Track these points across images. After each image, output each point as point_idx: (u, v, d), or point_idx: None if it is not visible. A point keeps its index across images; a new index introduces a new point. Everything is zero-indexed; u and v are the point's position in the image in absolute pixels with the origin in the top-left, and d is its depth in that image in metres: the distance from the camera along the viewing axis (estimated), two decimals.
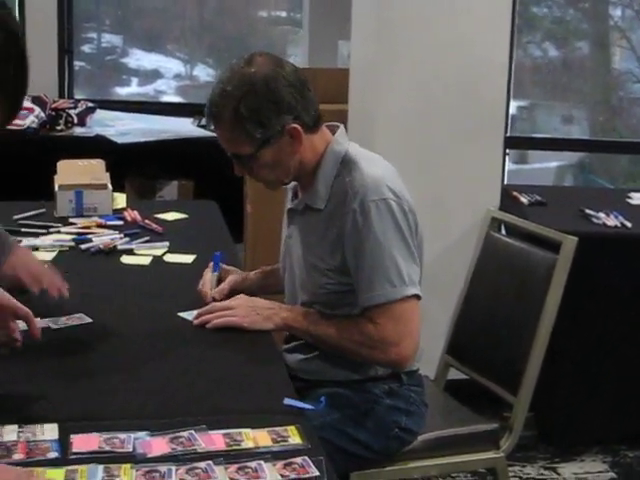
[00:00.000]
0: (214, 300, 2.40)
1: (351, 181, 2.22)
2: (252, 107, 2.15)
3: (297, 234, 2.37)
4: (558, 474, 3.55)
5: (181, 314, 2.35)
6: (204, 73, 7.01)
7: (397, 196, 2.21)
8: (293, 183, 2.40)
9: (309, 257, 2.31)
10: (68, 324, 2.26)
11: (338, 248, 2.23)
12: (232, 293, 2.44)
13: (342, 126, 2.36)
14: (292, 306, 2.35)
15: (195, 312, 2.33)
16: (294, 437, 1.72)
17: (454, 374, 2.96)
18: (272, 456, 1.64)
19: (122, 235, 3.01)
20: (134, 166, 5.06)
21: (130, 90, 6.82)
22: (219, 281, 2.50)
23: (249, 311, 2.28)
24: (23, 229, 3.06)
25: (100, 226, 3.14)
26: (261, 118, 2.16)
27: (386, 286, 2.18)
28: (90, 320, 2.28)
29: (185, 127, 5.39)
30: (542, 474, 3.54)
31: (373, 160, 2.31)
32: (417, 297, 2.23)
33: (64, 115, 5.22)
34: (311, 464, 1.62)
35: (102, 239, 2.97)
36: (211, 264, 2.53)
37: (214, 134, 2.29)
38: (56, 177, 3.38)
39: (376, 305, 2.19)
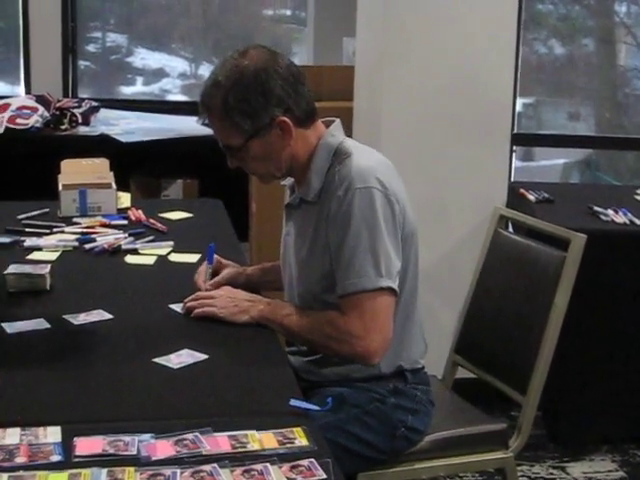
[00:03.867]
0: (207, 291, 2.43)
1: (340, 170, 2.22)
2: (240, 98, 2.17)
3: (293, 230, 2.37)
4: (567, 474, 3.52)
5: (172, 306, 2.36)
6: (209, 72, 6.97)
7: (384, 187, 2.19)
8: (291, 180, 2.40)
9: (303, 249, 2.30)
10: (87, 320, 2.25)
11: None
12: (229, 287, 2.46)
13: (338, 120, 2.36)
14: (272, 300, 2.34)
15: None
16: (301, 439, 1.70)
17: (462, 373, 2.94)
18: (278, 458, 1.61)
19: (126, 235, 2.99)
20: (139, 165, 5.05)
21: (135, 89, 6.80)
22: (215, 273, 2.51)
23: (228, 302, 2.29)
24: (27, 229, 3.04)
25: (104, 226, 3.11)
26: (249, 110, 2.17)
27: (360, 276, 2.16)
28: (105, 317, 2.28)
29: (190, 126, 5.33)
30: (551, 474, 3.51)
31: (367, 152, 2.31)
32: (392, 291, 2.19)
33: (68, 114, 5.20)
34: (318, 466, 1.59)
35: (106, 239, 2.94)
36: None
37: None
38: (60, 176, 3.36)
39: (348, 294, 2.17)
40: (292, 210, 2.38)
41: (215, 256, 2.53)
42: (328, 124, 2.33)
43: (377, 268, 2.16)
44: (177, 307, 2.36)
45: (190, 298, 2.34)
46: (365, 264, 2.16)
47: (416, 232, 2.32)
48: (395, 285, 2.19)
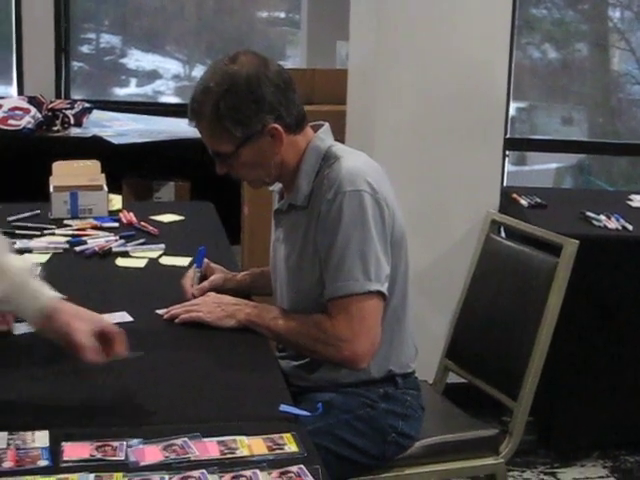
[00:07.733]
0: (193, 297, 2.40)
1: (329, 173, 2.21)
2: (232, 105, 2.15)
3: (282, 235, 2.36)
4: (558, 479, 3.51)
5: (161, 311, 2.35)
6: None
7: (374, 190, 2.18)
8: (279, 185, 2.39)
9: (293, 255, 2.29)
10: None
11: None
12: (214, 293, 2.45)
13: (327, 124, 2.35)
14: (258, 303, 2.33)
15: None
16: (290, 445, 1.69)
17: (453, 378, 2.93)
18: (267, 465, 1.61)
19: (117, 237, 2.98)
20: (131, 167, 5.03)
21: (129, 91, 6.78)
22: (204, 277, 2.49)
23: (214, 307, 2.29)
24: (17, 231, 3.02)
25: (95, 228, 3.10)
26: (240, 116, 2.16)
27: (349, 279, 2.15)
28: None
29: (182, 128, 5.33)
30: (542, 479, 3.51)
31: (356, 155, 2.30)
32: (381, 295, 2.19)
33: (61, 115, 5.19)
34: (307, 473, 1.58)
35: (97, 241, 2.93)
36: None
37: None
38: (51, 178, 3.35)
39: (336, 297, 2.17)
40: (281, 216, 2.37)
41: (205, 259, 2.52)
42: (316, 128, 2.32)
43: (366, 272, 2.15)
44: (165, 312, 2.35)
45: (175, 306, 2.33)
46: (354, 267, 2.15)
47: (405, 236, 2.31)
48: (384, 289, 2.18)
